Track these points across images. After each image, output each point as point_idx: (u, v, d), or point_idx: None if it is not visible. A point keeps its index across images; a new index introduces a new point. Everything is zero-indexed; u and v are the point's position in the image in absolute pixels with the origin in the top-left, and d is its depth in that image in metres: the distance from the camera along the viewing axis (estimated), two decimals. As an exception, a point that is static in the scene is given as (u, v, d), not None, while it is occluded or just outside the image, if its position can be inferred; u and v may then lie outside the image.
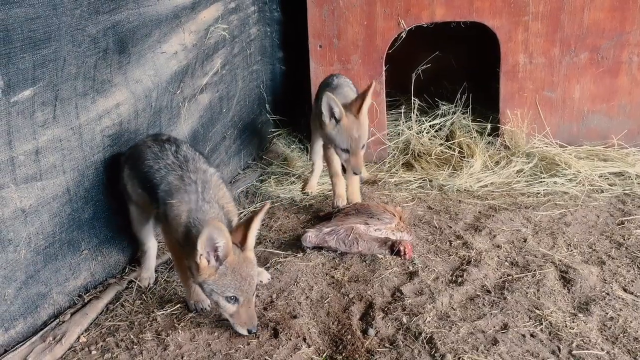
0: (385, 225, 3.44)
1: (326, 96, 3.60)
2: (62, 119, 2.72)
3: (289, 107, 5.71)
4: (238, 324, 2.61)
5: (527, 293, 2.90)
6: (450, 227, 3.71)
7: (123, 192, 3.12)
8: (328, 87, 4.09)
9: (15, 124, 2.45)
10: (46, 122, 2.62)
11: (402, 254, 3.28)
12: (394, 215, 3.53)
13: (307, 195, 4.40)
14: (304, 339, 2.61)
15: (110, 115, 3.04)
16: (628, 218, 3.73)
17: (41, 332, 2.65)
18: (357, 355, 2.51)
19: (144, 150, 2.95)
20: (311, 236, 3.40)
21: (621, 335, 2.56)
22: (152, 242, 3.25)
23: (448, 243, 3.50)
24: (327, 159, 4.06)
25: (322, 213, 4.01)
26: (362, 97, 3.68)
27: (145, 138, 3.13)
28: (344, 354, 2.53)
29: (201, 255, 2.51)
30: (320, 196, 4.38)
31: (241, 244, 2.59)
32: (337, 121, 3.63)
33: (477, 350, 2.48)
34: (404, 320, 2.72)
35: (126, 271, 3.26)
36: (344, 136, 3.65)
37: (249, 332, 2.61)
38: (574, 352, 2.47)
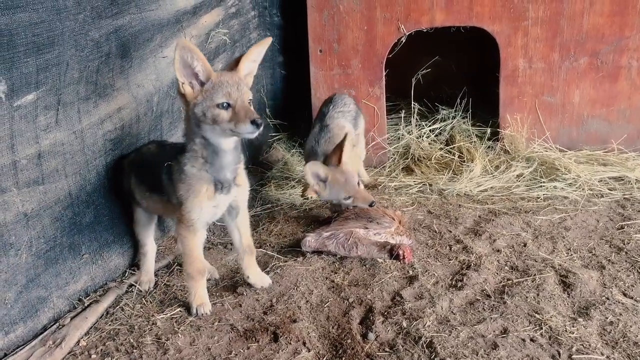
0: (385, 229, 3.45)
1: (308, 167, 3.62)
2: (65, 123, 2.73)
3: (289, 111, 5.72)
4: (239, 122, 2.57)
5: (527, 297, 2.91)
6: (450, 232, 3.71)
7: (129, 195, 3.14)
8: (320, 122, 4.16)
9: (18, 128, 2.46)
10: (49, 126, 2.63)
11: (401, 258, 3.27)
12: (394, 220, 3.54)
13: (308, 199, 4.40)
14: (304, 343, 2.62)
15: (112, 119, 3.05)
16: (628, 222, 3.74)
17: (41, 336, 2.65)
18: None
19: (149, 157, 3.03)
20: (310, 240, 3.40)
21: (621, 339, 2.56)
22: (151, 245, 3.26)
23: (448, 247, 3.50)
24: None
25: (321, 218, 4.01)
26: (339, 148, 3.69)
27: (149, 144, 3.19)
28: (343, 358, 2.52)
29: (183, 83, 2.59)
30: (319, 200, 4.38)
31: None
32: (324, 181, 3.65)
33: (477, 355, 2.48)
34: (404, 324, 2.72)
35: (126, 275, 3.26)
36: (337, 188, 3.65)
37: (253, 122, 2.56)
38: (573, 356, 2.46)
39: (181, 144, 2.87)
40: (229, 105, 2.59)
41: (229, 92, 2.59)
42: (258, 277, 3.13)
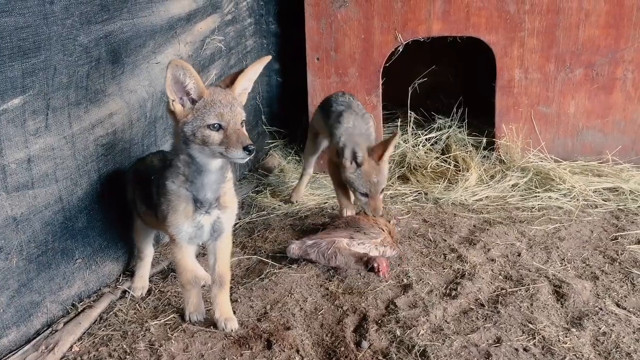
0: (371, 239, 3.42)
1: (352, 143, 3.64)
2: (55, 128, 2.72)
3: (285, 118, 5.73)
4: (230, 146, 2.45)
5: (520, 307, 2.90)
6: (445, 241, 3.71)
7: (130, 205, 3.14)
8: (350, 107, 4.03)
9: (6, 132, 2.45)
10: (38, 130, 2.62)
11: (375, 270, 3.22)
12: (383, 230, 3.52)
13: (293, 204, 4.40)
14: (297, 351, 2.61)
15: (104, 124, 3.04)
16: (622, 233, 3.74)
17: (34, 341, 2.64)
18: (349, 368, 2.51)
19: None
20: (294, 248, 3.39)
21: (614, 350, 2.56)
22: (149, 251, 3.25)
23: (442, 256, 3.50)
24: (331, 172, 4.09)
25: (317, 225, 4.01)
26: (385, 144, 3.72)
27: (154, 154, 3.18)
28: (336, 366, 2.52)
29: (173, 101, 2.49)
30: (316, 208, 4.39)
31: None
32: (358, 165, 3.66)
33: (470, 364, 2.48)
34: (398, 332, 2.71)
35: (120, 281, 3.25)
36: (364, 181, 3.69)
37: (245, 148, 2.44)
38: (567, 366, 2.47)
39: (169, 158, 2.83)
40: (220, 126, 2.47)
41: (221, 113, 2.47)
42: (224, 315, 2.80)
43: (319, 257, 3.32)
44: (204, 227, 2.73)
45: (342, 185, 3.95)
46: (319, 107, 4.33)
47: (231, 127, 2.47)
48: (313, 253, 3.33)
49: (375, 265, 3.21)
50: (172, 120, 2.61)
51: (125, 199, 3.17)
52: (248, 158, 2.51)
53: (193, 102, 2.52)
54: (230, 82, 2.62)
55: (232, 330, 2.75)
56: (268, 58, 2.72)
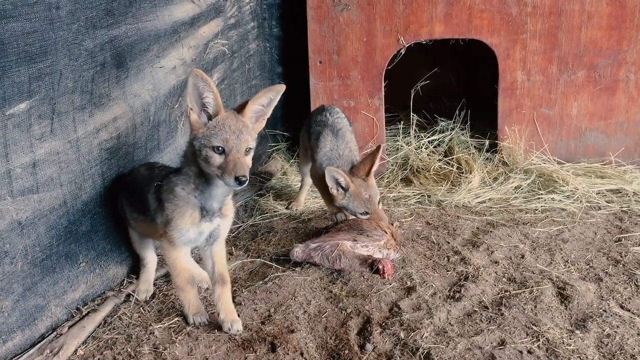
0: (374, 242, 3.43)
1: (329, 171, 3.62)
2: (60, 132, 2.73)
3: (287, 122, 5.73)
4: (225, 172, 2.52)
5: (524, 309, 2.90)
6: (448, 243, 3.71)
7: (121, 216, 3.16)
8: (326, 127, 4.02)
9: (12, 136, 2.46)
10: (43, 135, 2.63)
11: (380, 272, 3.24)
12: (385, 233, 3.52)
13: (293, 211, 4.40)
14: (302, 354, 2.61)
15: (108, 128, 3.05)
16: (625, 235, 3.74)
17: (38, 345, 2.64)
18: (354, 371, 2.51)
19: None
20: (298, 251, 3.40)
21: (618, 352, 2.56)
22: (151, 257, 3.26)
23: (446, 258, 3.50)
24: (317, 186, 4.10)
25: (319, 228, 4.01)
26: (371, 159, 3.69)
27: (141, 166, 3.21)
28: (341, 369, 2.52)
29: (191, 109, 2.54)
30: (319, 211, 4.39)
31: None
32: (345, 190, 3.65)
33: (474, 366, 2.49)
34: (402, 335, 2.71)
35: (124, 284, 3.26)
36: (357, 202, 3.67)
37: (236, 178, 2.49)
38: (571, 368, 2.47)
39: (175, 168, 2.90)
40: (223, 151, 2.53)
41: (227, 138, 2.52)
42: (230, 316, 2.82)
43: (323, 260, 3.33)
44: (204, 234, 2.81)
45: (329, 193, 3.91)
46: (304, 125, 4.37)
47: (233, 154, 2.53)
48: (317, 256, 3.34)
49: (380, 267, 3.22)
50: (189, 128, 2.66)
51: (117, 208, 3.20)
52: (239, 188, 2.60)
53: (209, 117, 2.57)
54: (243, 107, 2.66)
55: (237, 332, 2.76)
56: (282, 88, 2.75)
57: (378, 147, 3.75)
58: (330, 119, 4.08)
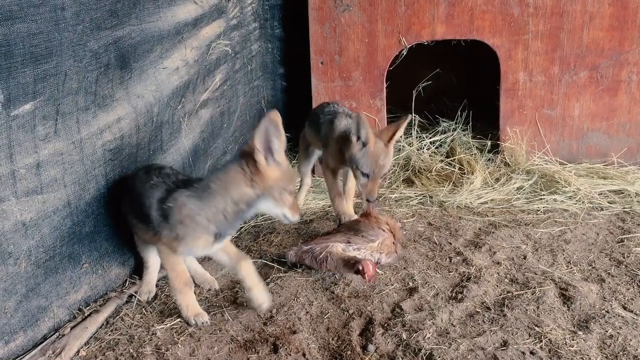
0: (367, 244, 3.39)
1: (358, 116, 3.52)
2: (64, 133, 2.73)
3: (289, 122, 5.72)
4: (287, 211, 2.79)
5: (526, 310, 2.90)
6: (450, 244, 3.71)
7: (126, 218, 3.13)
8: (338, 113, 3.99)
9: (16, 137, 2.46)
10: (47, 135, 2.63)
11: (361, 273, 3.12)
12: (384, 230, 3.48)
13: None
14: (304, 355, 2.61)
15: (112, 129, 3.05)
16: (628, 236, 3.74)
17: (41, 346, 2.64)
18: (356, 371, 2.51)
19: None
20: (292, 254, 3.40)
21: (621, 353, 2.56)
22: (154, 260, 3.26)
23: (448, 259, 3.50)
24: (327, 179, 4.02)
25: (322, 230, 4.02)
26: (396, 127, 3.64)
27: (140, 169, 3.17)
28: (343, 370, 2.52)
29: (258, 151, 2.59)
30: (321, 212, 4.39)
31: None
32: (364, 144, 3.59)
33: (476, 367, 2.49)
34: (404, 336, 2.71)
35: (126, 285, 3.26)
36: (369, 161, 3.56)
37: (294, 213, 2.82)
38: (573, 369, 2.47)
39: (185, 177, 2.97)
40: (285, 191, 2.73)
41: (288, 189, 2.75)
42: (260, 291, 2.97)
43: (313, 262, 3.32)
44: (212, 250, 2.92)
45: (339, 193, 3.93)
46: (307, 121, 4.33)
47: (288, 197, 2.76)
48: (307, 258, 3.34)
49: (360, 267, 3.11)
50: (251, 166, 2.69)
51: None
52: (289, 222, 2.84)
53: (275, 161, 2.67)
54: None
55: (265, 310, 2.94)
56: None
57: (404, 118, 3.70)
58: (340, 109, 4.09)
